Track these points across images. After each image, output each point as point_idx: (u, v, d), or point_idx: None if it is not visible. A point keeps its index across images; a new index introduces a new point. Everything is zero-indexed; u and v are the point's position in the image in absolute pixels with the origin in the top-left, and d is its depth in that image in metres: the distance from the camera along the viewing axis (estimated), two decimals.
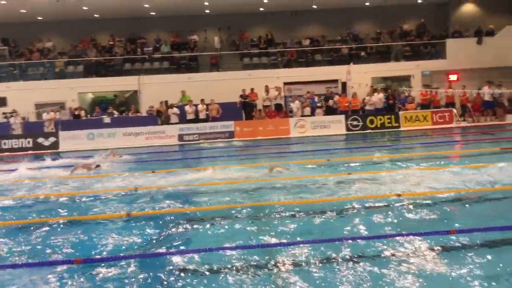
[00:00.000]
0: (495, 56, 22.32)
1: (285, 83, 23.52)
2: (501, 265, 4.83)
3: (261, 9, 25.84)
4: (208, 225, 6.84)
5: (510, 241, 5.50)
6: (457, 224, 6.27)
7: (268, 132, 19.84)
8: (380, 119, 20.21)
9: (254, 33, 26.60)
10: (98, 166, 12.30)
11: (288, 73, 23.76)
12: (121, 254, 5.64)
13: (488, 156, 11.66)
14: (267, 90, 21.69)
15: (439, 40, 24.80)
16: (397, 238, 5.73)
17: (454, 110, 20.59)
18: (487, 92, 20.45)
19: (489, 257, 5.02)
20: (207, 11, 25.61)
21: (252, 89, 21.65)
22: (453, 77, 23.50)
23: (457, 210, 7.26)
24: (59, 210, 8.07)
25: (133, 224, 6.93)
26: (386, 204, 7.33)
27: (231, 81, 22.50)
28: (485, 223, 6.18)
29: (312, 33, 26.45)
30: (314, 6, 25.73)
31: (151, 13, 25.46)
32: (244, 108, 21.42)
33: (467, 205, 7.34)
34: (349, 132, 19.78)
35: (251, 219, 7.00)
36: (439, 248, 5.36)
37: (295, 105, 20.98)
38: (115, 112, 22.30)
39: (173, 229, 6.66)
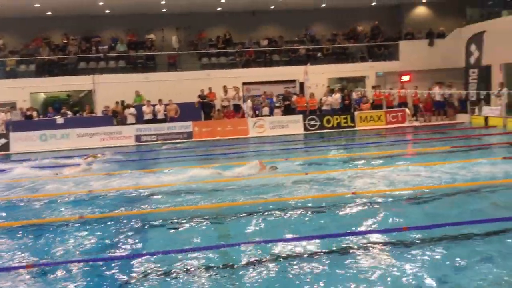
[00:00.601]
0: (446, 58, 23.08)
1: (244, 83, 23.53)
2: (451, 259, 5.03)
3: (219, 8, 25.77)
4: (165, 227, 6.79)
5: (462, 237, 5.71)
6: (410, 221, 6.45)
7: (226, 132, 19.81)
8: (337, 119, 20.56)
9: (212, 33, 26.47)
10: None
11: (246, 73, 23.78)
12: (74, 258, 5.52)
13: (439, 154, 12.09)
14: (225, 90, 21.64)
15: (392, 42, 25.50)
16: (352, 236, 5.88)
17: (407, 110, 21.18)
18: (437, 93, 21.14)
19: (440, 251, 5.21)
20: (164, 10, 25.30)
21: (210, 89, 21.55)
22: (405, 78, 24.18)
23: (410, 207, 7.49)
24: (8, 213, 7.81)
25: (86, 227, 6.79)
26: (341, 202, 7.48)
27: (190, 81, 22.31)
28: (437, 220, 6.42)
29: (270, 34, 26.58)
30: (272, 7, 25.93)
31: (106, 11, 24.91)
32: (202, 109, 21.28)
33: (419, 202, 7.57)
34: (306, 132, 20.04)
35: (208, 220, 6.99)
36: (393, 244, 5.53)
37: (247, 105, 21.04)
38: (68, 112, 21.67)
39: (128, 232, 6.56)
